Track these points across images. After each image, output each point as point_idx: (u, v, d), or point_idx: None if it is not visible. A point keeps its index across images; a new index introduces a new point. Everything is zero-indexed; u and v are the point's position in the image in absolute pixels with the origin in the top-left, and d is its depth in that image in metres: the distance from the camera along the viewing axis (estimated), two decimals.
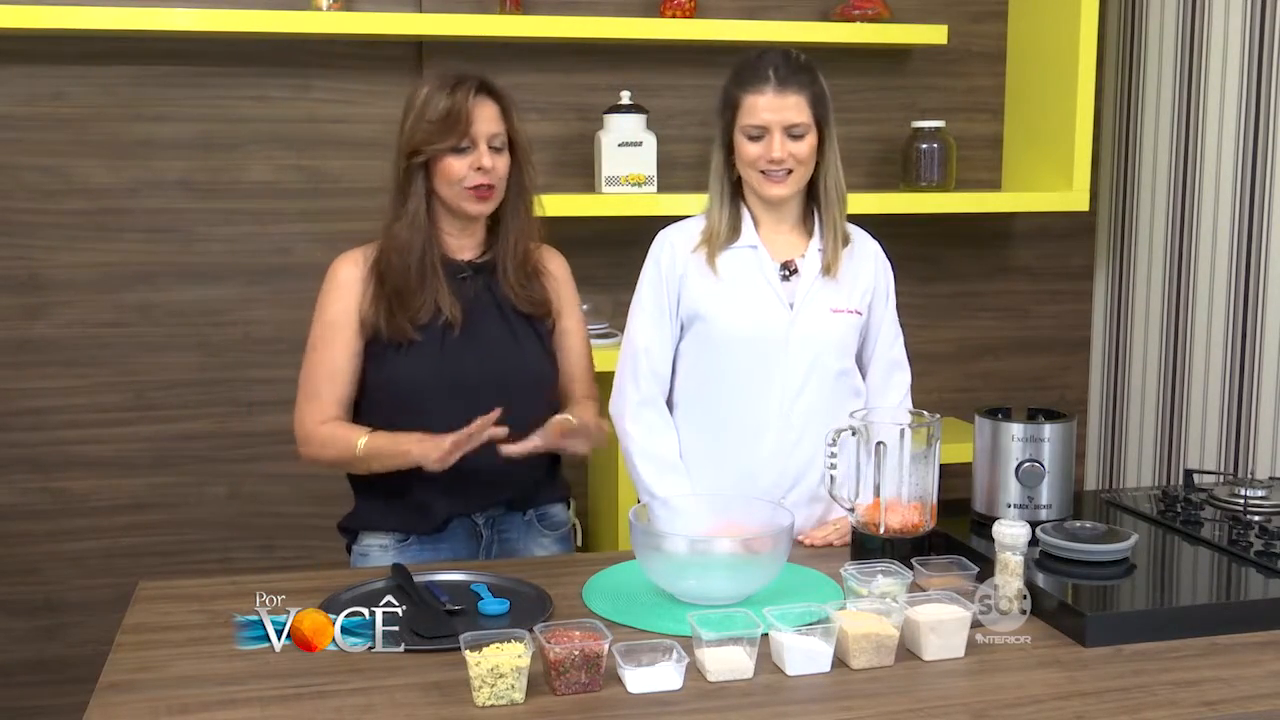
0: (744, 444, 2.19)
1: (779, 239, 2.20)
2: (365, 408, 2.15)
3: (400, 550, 2.14)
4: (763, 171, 2.12)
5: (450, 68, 2.16)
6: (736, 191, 2.21)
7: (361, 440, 2.06)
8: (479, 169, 2.07)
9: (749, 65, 2.15)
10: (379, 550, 2.15)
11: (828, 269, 2.18)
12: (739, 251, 2.18)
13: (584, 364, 2.27)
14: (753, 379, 2.17)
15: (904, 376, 2.30)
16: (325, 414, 2.11)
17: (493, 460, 2.03)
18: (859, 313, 2.22)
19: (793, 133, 2.11)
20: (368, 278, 2.11)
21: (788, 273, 2.19)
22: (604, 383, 2.92)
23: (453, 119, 2.05)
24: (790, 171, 2.12)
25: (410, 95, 2.11)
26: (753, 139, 2.12)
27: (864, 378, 2.28)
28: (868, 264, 2.25)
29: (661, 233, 2.25)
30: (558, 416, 2.10)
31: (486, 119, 2.08)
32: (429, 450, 1.99)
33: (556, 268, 2.24)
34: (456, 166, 2.07)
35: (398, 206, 2.11)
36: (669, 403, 2.25)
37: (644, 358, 2.22)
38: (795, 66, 2.12)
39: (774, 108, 2.10)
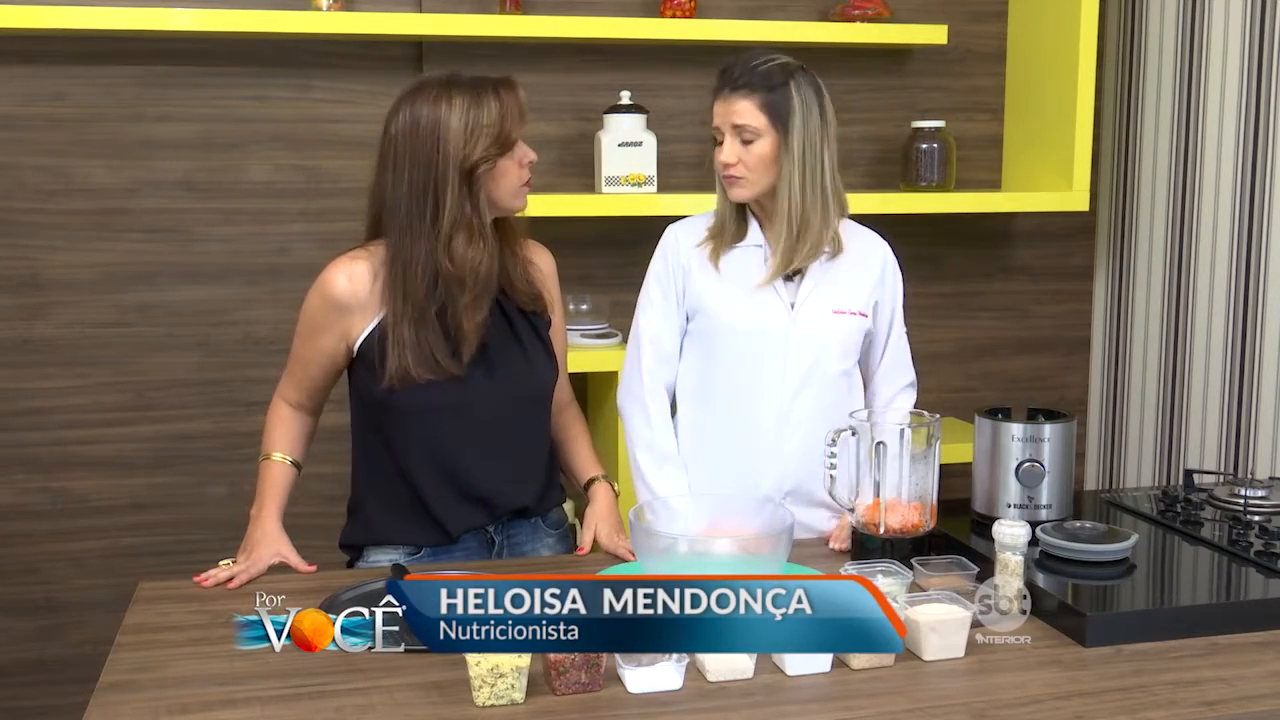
0: (742, 443, 2.19)
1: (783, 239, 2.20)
2: (355, 410, 2.12)
3: (413, 564, 2.08)
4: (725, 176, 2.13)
5: (432, 77, 2.02)
6: None
7: (266, 458, 2.11)
8: (529, 163, 2.03)
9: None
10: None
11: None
12: (745, 250, 2.19)
13: (562, 364, 2.24)
14: (752, 377, 2.17)
15: (911, 395, 2.30)
16: (289, 395, 2.14)
17: (508, 477, 2.06)
18: (863, 314, 2.20)
19: (743, 136, 2.09)
20: (374, 303, 2.01)
21: (790, 273, 2.18)
22: (606, 382, 2.94)
23: (512, 117, 1.98)
24: (744, 176, 2.10)
25: (427, 117, 1.95)
26: (718, 142, 2.12)
27: (866, 386, 2.28)
28: (874, 267, 2.23)
29: (670, 227, 2.26)
30: (602, 540, 2.13)
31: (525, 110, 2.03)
32: (253, 544, 2.05)
33: (543, 262, 2.19)
34: (510, 166, 2.00)
35: (443, 228, 1.95)
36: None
37: (650, 348, 2.22)
38: (751, 70, 2.08)
39: (722, 111, 2.11)
